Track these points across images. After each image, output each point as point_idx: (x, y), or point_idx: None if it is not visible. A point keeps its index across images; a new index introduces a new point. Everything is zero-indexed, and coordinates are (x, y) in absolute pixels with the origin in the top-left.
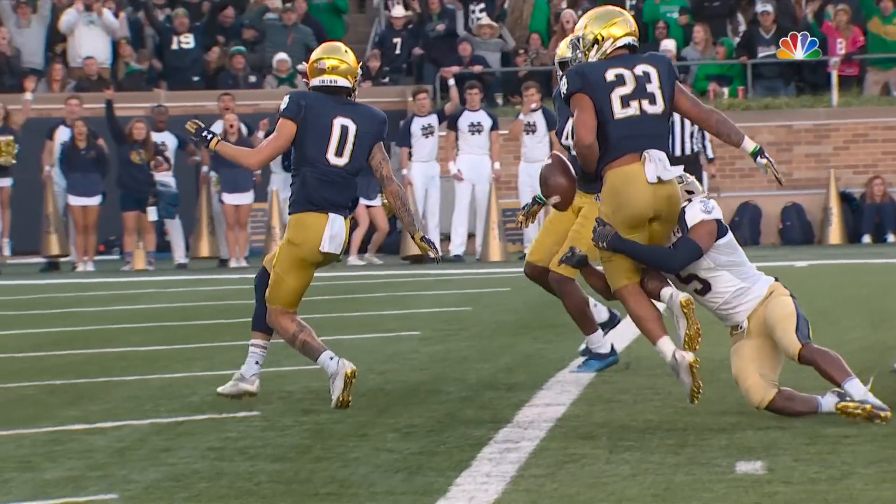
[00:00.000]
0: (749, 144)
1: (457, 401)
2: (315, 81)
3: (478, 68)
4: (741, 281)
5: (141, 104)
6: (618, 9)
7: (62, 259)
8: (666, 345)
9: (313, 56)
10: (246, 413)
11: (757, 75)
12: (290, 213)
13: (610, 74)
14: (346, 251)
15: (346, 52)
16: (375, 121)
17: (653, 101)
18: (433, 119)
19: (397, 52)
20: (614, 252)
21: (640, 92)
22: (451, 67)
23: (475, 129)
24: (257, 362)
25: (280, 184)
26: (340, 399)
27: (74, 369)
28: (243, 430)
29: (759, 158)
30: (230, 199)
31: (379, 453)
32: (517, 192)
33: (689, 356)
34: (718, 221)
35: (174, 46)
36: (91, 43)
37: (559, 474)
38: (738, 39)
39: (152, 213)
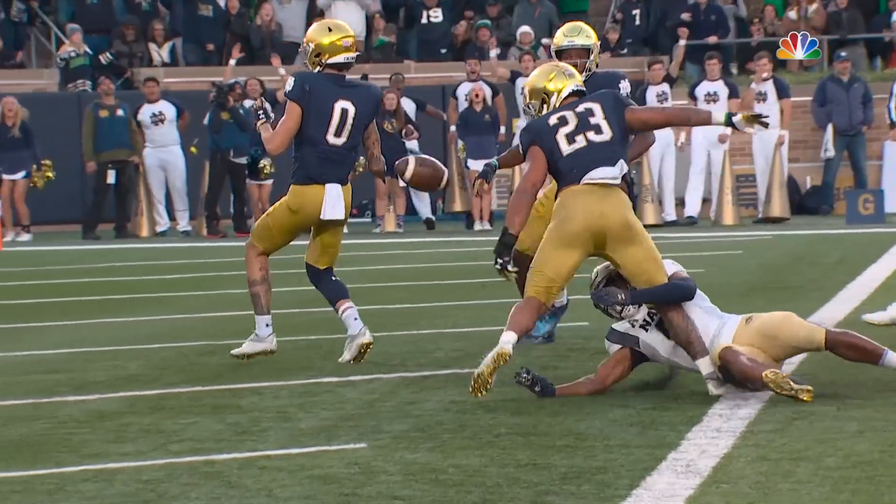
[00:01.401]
0: (719, 116)
1: None
2: (339, 58)
3: (712, 39)
4: (718, 319)
5: (386, 75)
6: (553, 63)
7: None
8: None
9: (328, 36)
10: None
11: None
12: (291, 183)
13: (552, 119)
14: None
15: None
16: (372, 100)
17: (598, 131)
18: (666, 87)
19: (637, 23)
20: (636, 304)
21: (583, 126)
22: (684, 29)
23: (711, 98)
24: (356, 318)
25: None
26: (242, 355)
27: (327, 326)
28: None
29: (734, 120)
30: (476, 164)
31: (613, 408)
32: (751, 157)
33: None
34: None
35: (423, 20)
36: (346, 17)
37: (788, 430)
38: None
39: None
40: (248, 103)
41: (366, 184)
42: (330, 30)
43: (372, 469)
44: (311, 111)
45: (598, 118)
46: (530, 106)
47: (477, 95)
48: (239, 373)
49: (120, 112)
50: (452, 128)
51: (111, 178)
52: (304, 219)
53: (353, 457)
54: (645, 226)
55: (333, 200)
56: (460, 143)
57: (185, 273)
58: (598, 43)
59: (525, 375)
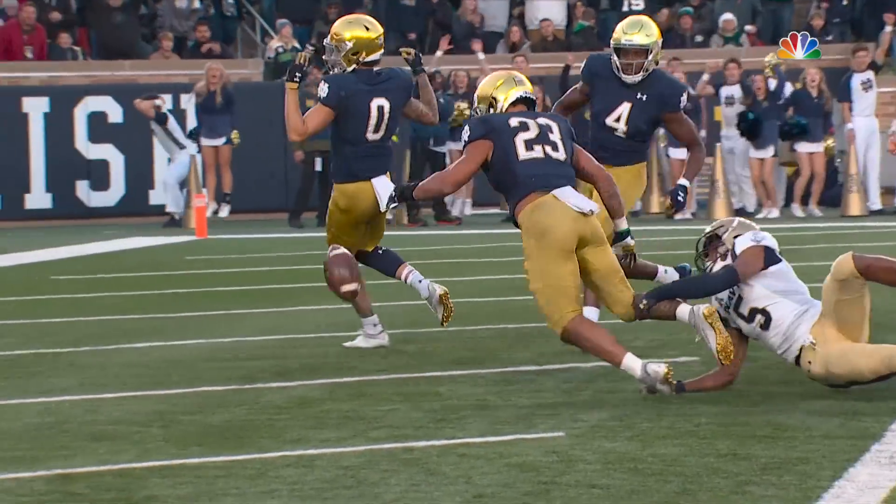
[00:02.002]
0: (621, 224)
1: None
2: (375, 56)
3: None
4: (798, 305)
5: None
6: (505, 71)
7: None
8: (632, 361)
9: (368, 33)
10: (686, 358)
11: None
12: (334, 183)
13: (514, 121)
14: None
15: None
16: (404, 90)
17: (555, 148)
18: (870, 74)
19: (843, 2)
20: (659, 301)
21: (543, 138)
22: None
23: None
24: (420, 280)
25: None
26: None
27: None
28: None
29: (624, 240)
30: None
31: (813, 400)
32: None
33: (662, 368)
34: (767, 248)
35: (624, 8)
36: (548, 6)
37: None
38: None
39: None
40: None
41: None
42: (367, 28)
43: (570, 457)
44: (348, 114)
45: (556, 137)
46: (478, 111)
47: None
48: (436, 361)
49: None
50: None
51: (318, 166)
52: (361, 215)
53: (552, 445)
54: (850, 216)
55: (385, 190)
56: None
57: None
58: (660, 41)
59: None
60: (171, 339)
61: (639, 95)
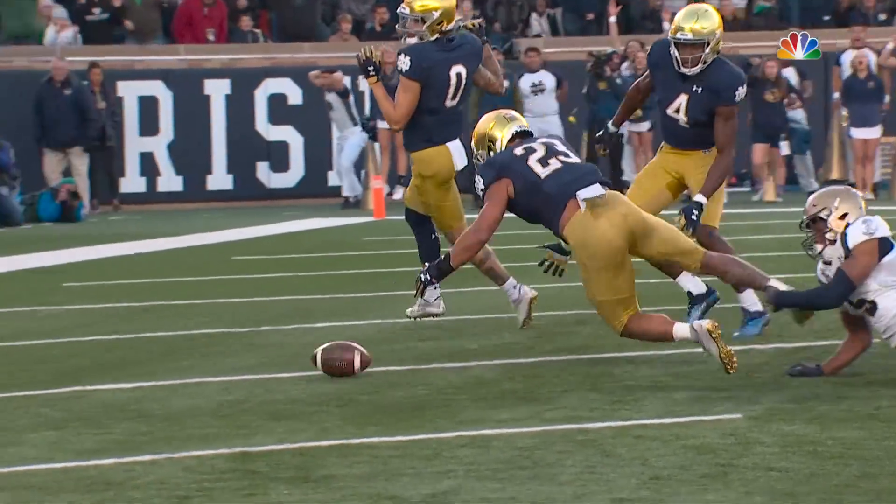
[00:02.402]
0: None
1: None
2: (452, 24)
3: None
4: None
5: (770, 43)
6: (496, 112)
7: None
8: (680, 328)
9: (450, 3)
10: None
11: None
12: (410, 152)
13: (518, 150)
14: None
15: None
16: (476, 56)
17: (567, 155)
18: None
19: None
20: (779, 307)
21: (552, 152)
22: None
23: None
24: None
25: None
26: (524, 322)
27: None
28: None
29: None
30: (858, 133)
31: None
32: None
33: (706, 323)
34: (881, 240)
35: None
36: None
37: None
38: None
39: (784, 148)
40: (625, 72)
41: (742, 152)
42: None
43: (748, 440)
44: (430, 84)
45: (562, 147)
46: (479, 156)
47: (861, 63)
48: (611, 342)
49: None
50: (836, 95)
51: None
52: (443, 178)
53: (729, 427)
54: None
55: (459, 152)
56: (843, 112)
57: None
58: (719, 30)
59: (797, 368)
60: (348, 320)
61: (694, 88)
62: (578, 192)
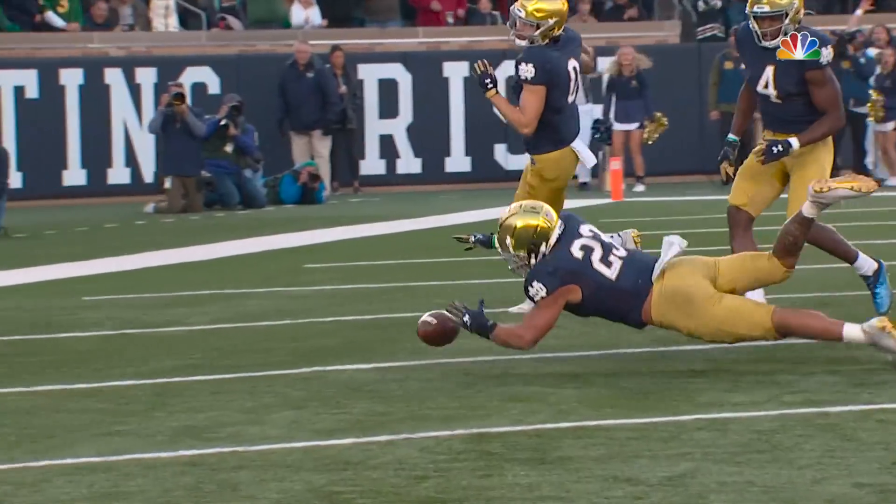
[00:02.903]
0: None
1: None
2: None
3: None
4: None
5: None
6: (514, 209)
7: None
8: (851, 329)
9: (564, 6)
10: None
11: None
12: (535, 154)
13: (577, 253)
14: None
15: None
16: (578, 43)
17: (617, 246)
18: None
19: None
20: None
21: (608, 249)
22: None
23: None
24: None
25: None
26: None
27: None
28: None
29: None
30: None
31: None
32: None
33: (875, 321)
34: None
35: None
36: None
37: None
38: None
39: None
40: (870, 52)
41: None
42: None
43: None
44: (554, 84)
45: (607, 237)
46: (525, 257)
47: None
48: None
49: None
50: None
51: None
52: (566, 179)
53: None
54: None
55: (585, 150)
56: None
57: None
58: (797, 0)
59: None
60: None
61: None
62: (657, 271)
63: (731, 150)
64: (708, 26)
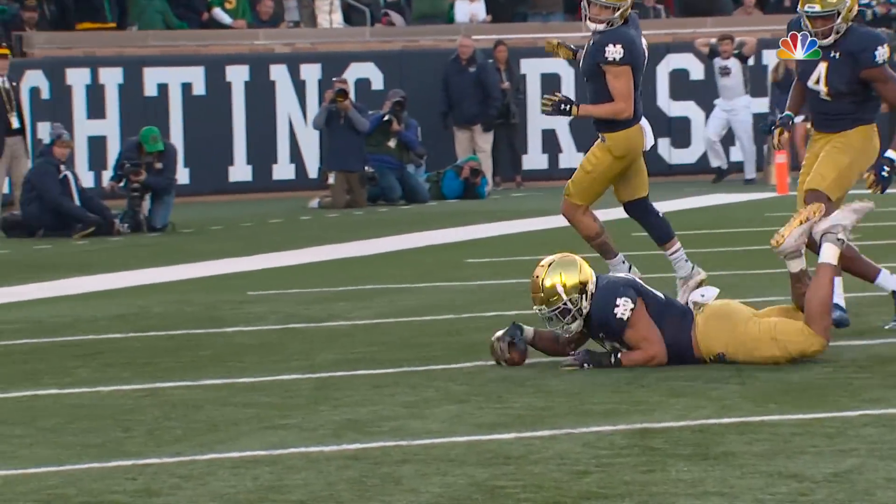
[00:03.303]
0: None
1: None
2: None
3: None
4: None
5: None
6: (551, 262)
7: None
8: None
9: None
10: None
11: None
12: (606, 133)
13: (623, 277)
14: None
15: None
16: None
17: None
18: None
19: None
20: None
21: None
22: None
23: None
24: (686, 260)
25: None
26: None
27: None
28: None
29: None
30: None
31: None
32: None
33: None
34: None
35: None
36: None
37: None
38: None
39: None
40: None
41: None
42: None
43: None
44: (637, 64)
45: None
46: (574, 302)
47: None
48: None
49: None
50: None
51: None
52: (631, 161)
53: None
54: None
55: (649, 130)
56: None
57: None
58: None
59: None
60: (742, 296)
61: (832, 54)
62: (694, 301)
63: (788, 122)
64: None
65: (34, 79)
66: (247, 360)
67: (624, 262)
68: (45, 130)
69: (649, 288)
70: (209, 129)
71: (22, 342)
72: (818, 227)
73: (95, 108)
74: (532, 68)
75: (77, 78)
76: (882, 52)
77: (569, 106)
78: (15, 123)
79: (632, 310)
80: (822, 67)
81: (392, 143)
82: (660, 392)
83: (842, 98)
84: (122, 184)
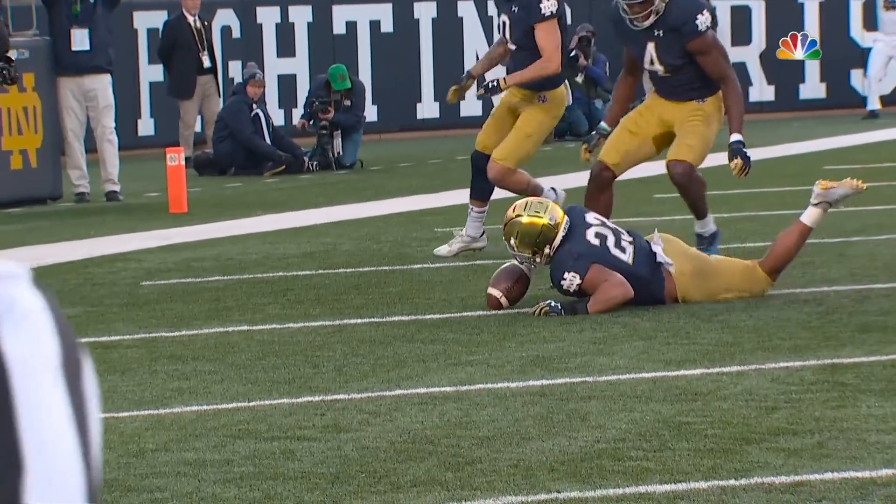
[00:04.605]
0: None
1: None
2: None
3: None
4: None
5: None
6: (519, 209)
7: None
8: (809, 214)
9: None
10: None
11: None
12: (545, 91)
13: (594, 240)
14: None
15: None
16: None
17: (620, 231)
18: None
19: None
20: None
21: (616, 234)
22: None
23: None
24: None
25: None
26: None
27: None
28: None
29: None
30: None
31: None
32: None
33: (815, 188)
34: None
35: None
36: None
37: None
38: None
39: None
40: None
41: None
42: None
43: None
44: (561, 21)
45: (611, 224)
46: (541, 251)
47: None
48: None
49: None
50: None
51: None
52: (557, 119)
53: None
54: None
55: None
56: None
57: None
58: None
59: None
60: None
61: (656, 32)
62: (661, 262)
63: (598, 138)
64: None
65: (225, 18)
66: (434, 297)
67: (552, 189)
68: (236, 69)
69: (616, 255)
70: (397, 66)
71: (213, 279)
72: (829, 193)
73: (285, 47)
74: (722, 1)
75: (267, 16)
76: (703, 19)
77: (495, 82)
78: (206, 62)
79: (579, 284)
80: (650, 48)
81: (579, 79)
82: (851, 327)
83: (679, 70)
84: (311, 122)
